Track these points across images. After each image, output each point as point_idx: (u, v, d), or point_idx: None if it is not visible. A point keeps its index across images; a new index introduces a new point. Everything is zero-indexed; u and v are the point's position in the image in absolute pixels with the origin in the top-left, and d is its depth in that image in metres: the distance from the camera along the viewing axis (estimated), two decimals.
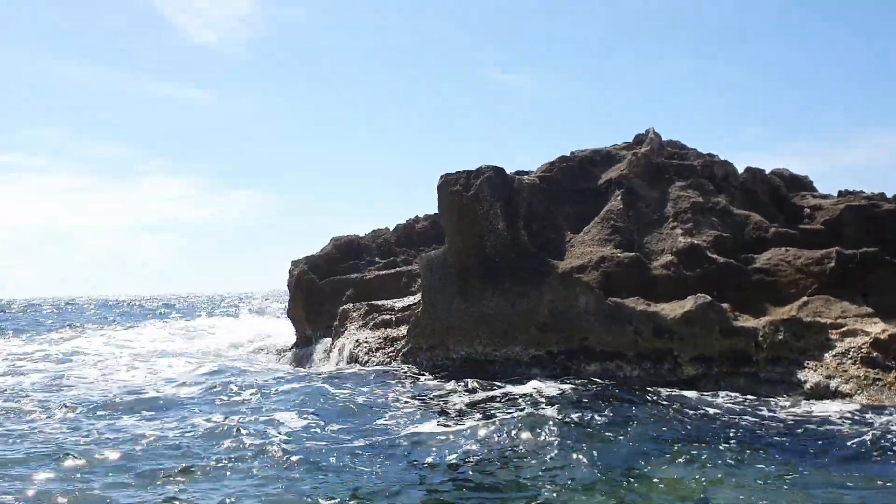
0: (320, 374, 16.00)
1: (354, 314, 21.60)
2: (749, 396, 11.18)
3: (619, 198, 14.87)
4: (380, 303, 21.61)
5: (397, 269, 23.84)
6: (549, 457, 8.02)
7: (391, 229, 28.44)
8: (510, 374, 13.20)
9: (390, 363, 15.62)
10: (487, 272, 14.09)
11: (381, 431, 9.45)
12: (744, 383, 11.53)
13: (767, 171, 16.96)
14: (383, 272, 24.81)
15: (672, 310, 12.14)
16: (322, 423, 10.04)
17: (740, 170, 16.38)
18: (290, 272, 26.03)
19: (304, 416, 10.51)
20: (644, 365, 12.13)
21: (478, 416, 10.06)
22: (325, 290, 24.84)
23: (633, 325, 12.30)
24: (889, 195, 15.85)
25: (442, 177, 14.87)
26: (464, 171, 14.75)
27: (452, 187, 14.54)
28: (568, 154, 16.69)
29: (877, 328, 11.57)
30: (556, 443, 8.44)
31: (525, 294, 13.64)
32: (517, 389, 11.74)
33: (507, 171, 15.10)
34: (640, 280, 13.18)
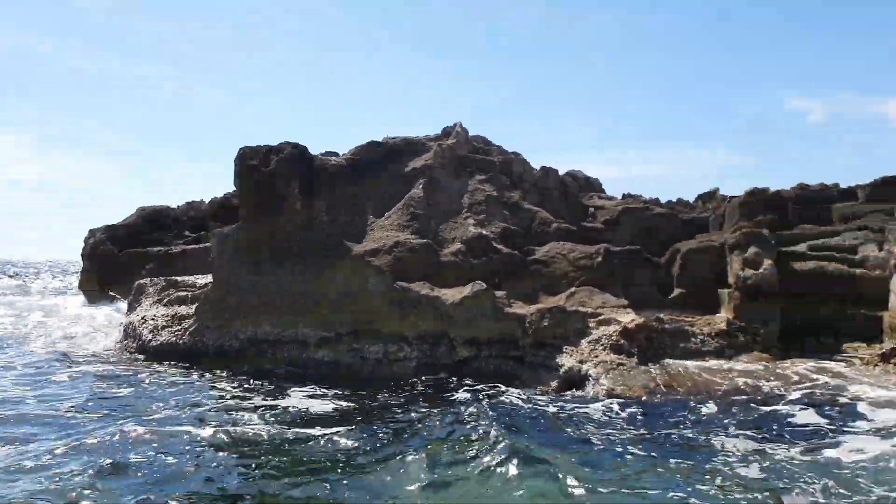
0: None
1: (151, 289, 20.29)
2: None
3: (421, 186, 15.30)
4: (180, 279, 20.49)
5: (207, 244, 22.74)
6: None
7: (207, 202, 27.05)
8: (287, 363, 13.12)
9: (176, 342, 14.90)
10: (282, 251, 13.87)
11: None
12: (511, 367, 12.40)
13: (562, 172, 18.37)
14: (191, 246, 23.57)
15: (452, 295, 12.74)
16: None
17: (537, 168, 17.56)
18: (85, 241, 23.92)
19: None
20: (423, 347, 12.62)
21: None
22: (123, 262, 23.12)
23: (417, 309, 12.75)
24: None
25: (241, 150, 14.37)
26: (264, 145, 14.36)
27: (250, 161, 14.11)
28: (380, 140, 16.86)
29: (627, 318, 12.97)
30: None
31: (319, 275, 13.61)
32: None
33: (313, 151, 14.95)
34: (431, 266, 13.68)
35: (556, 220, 15.71)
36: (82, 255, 24.05)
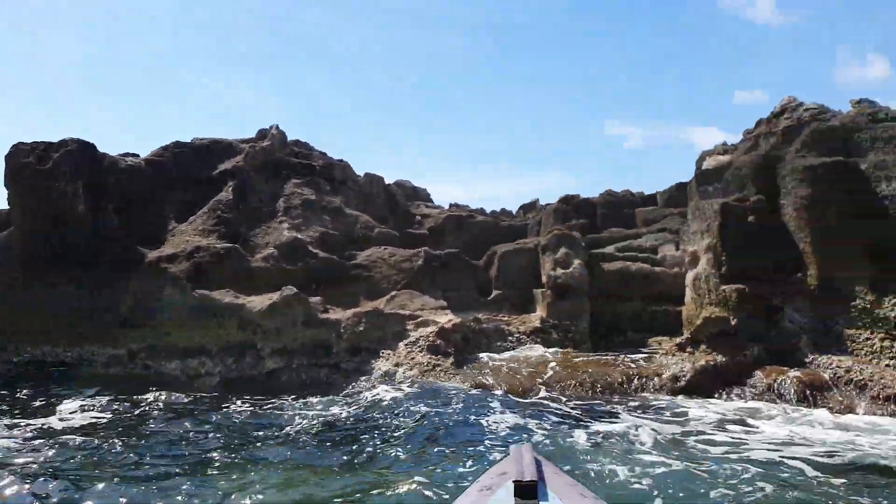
0: None
1: None
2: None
3: (230, 189, 14.27)
4: None
5: None
6: None
7: None
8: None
9: None
10: (63, 260, 12.19)
11: None
12: (325, 374, 11.73)
13: (389, 181, 18.14)
14: None
15: (260, 302, 11.86)
16: None
17: (361, 174, 17.17)
18: None
19: None
20: (227, 360, 11.59)
21: None
22: None
23: (219, 318, 11.71)
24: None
25: (13, 146, 12.53)
26: (42, 141, 12.64)
27: (24, 159, 12.33)
28: (187, 141, 15.60)
29: (444, 318, 12.83)
30: None
31: (108, 285, 12.11)
32: None
33: (100, 149, 13.40)
34: (239, 272, 12.69)
35: (378, 224, 15.37)
36: None
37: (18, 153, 12.40)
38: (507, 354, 12.33)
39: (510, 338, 13.02)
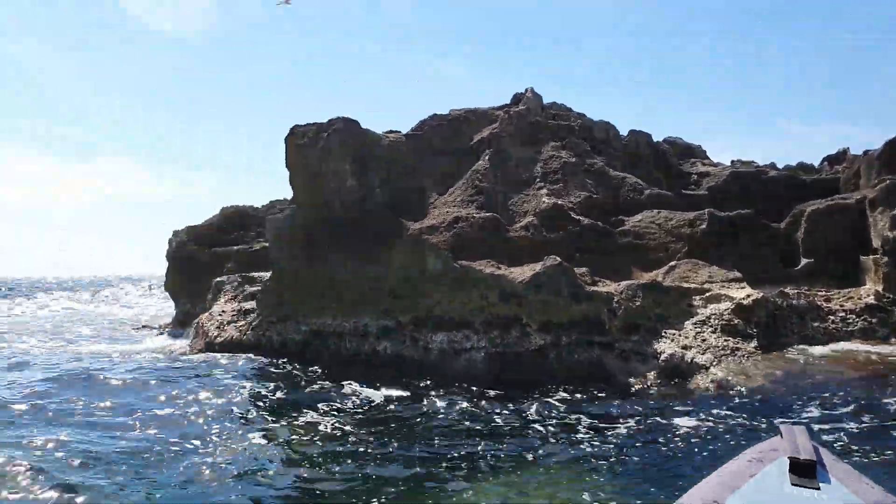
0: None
1: (228, 286, 19.76)
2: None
3: (487, 157, 13.56)
4: (256, 274, 19.85)
5: None
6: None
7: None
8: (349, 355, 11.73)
9: (241, 338, 13.97)
10: (336, 234, 12.57)
11: None
12: (597, 354, 10.38)
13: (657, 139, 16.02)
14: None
15: (522, 273, 10.89)
16: None
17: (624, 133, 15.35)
18: (169, 242, 23.98)
19: None
20: (491, 334, 10.84)
21: None
22: (205, 262, 22.91)
23: (481, 290, 11.00)
24: None
25: (290, 129, 13.26)
26: (313, 123, 13.18)
27: (299, 140, 12.96)
28: (445, 113, 15.32)
29: (741, 293, 10.60)
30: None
31: (375, 258, 12.20)
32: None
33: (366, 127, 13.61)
34: (498, 242, 11.90)
35: (649, 186, 13.47)
36: (167, 256, 24.09)
37: (296, 135, 13.09)
38: (827, 349, 9.69)
39: (831, 318, 10.31)
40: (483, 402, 8.77)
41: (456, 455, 6.46)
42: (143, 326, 24.05)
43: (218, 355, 12.71)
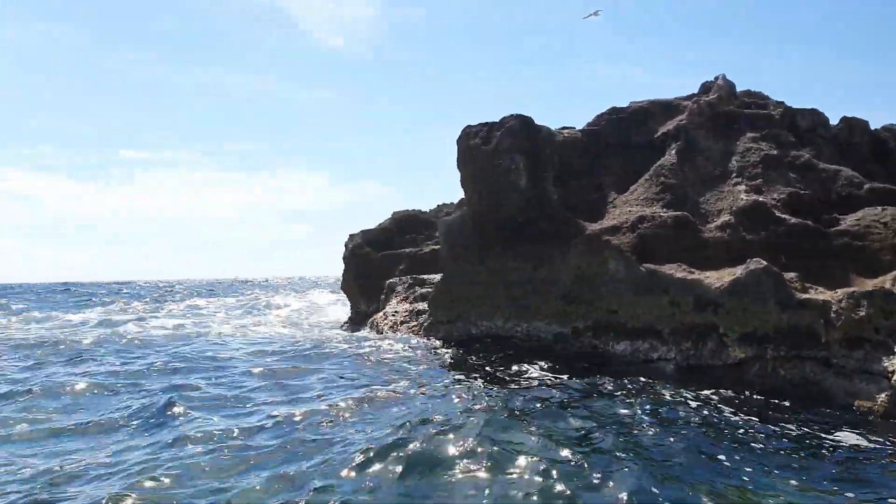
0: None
1: (399, 287, 20.41)
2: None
3: (674, 151, 12.53)
4: (426, 276, 20.26)
5: None
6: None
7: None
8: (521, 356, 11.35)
9: (411, 338, 14.19)
10: (508, 235, 12.27)
11: None
12: (810, 371, 9.05)
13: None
14: (439, 246, 23.43)
15: (719, 278, 9.81)
16: None
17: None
18: (345, 245, 25.28)
19: None
20: (682, 345, 9.89)
21: None
22: (378, 263, 23.83)
23: (670, 295, 10.08)
24: None
25: (463, 129, 13.19)
26: (485, 122, 12.99)
27: (471, 140, 12.82)
28: (624, 105, 14.45)
29: None
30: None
31: (549, 259, 11.71)
32: None
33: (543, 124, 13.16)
34: (688, 244, 10.87)
35: (868, 180, 11.65)
36: (343, 259, 25.39)
37: (468, 136, 12.99)
38: None
39: None
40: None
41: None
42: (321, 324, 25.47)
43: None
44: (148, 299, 40.26)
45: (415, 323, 14.70)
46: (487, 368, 10.39)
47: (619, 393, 8.58)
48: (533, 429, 6.57)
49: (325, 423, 7.18)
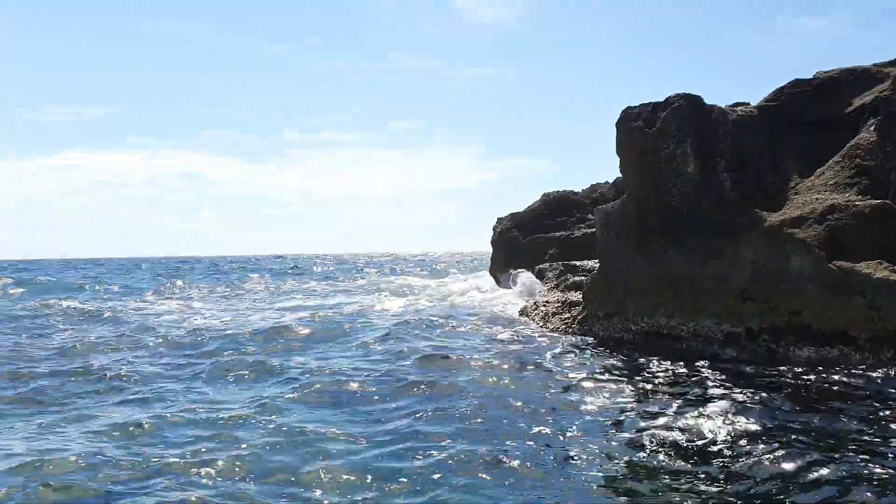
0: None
1: (550, 274, 20.05)
2: None
3: (872, 128, 10.89)
4: (578, 263, 19.68)
5: None
6: None
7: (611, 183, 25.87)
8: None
9: (565, 331, 13.76)
10: (672, 225, 11.40)
11: None
12: None
13: None
14: (593, 230, 22.63)
15: None
16: None
17: None
18: (493, 229, 25.22)
19: None
20: (883, 354, 8.61)
21: None
22: (527, 247, 23.53)
23: (868, 297, 8.78)
24: None
25: (623, 111, 12.39)
26: (648, 103, 12.09)
27: (633, 123, 12.01)
28: (808, 77, 12.81)
29: None
30: None
31: (718, 253, 10.72)
32: None
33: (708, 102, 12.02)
34: (891, 239, 9.42)
35: None
36: (491, 242, 25.39)
37: (628, 118, 12.19)
38: None
39: None
40: None
41: None
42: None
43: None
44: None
45: (567, 315, 14.25)
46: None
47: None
48: None
49: None
